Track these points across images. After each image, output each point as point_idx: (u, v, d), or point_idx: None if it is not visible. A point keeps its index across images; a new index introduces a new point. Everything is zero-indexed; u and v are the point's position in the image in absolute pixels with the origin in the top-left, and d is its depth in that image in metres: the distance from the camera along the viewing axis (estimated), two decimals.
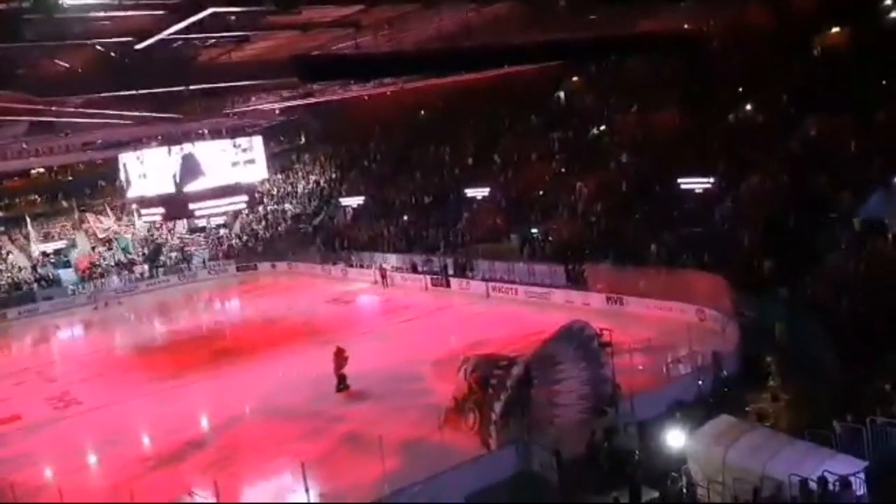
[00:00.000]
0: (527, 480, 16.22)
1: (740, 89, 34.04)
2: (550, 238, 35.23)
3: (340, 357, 23.75)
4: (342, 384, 23.57)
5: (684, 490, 14.13)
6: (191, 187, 32.27)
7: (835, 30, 32.55)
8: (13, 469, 18.77)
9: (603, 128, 40.13)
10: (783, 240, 24.71)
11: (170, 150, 32.71)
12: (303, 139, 65.22)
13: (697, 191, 30.69)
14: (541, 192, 38.96)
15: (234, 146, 34.03)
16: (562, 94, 44.67)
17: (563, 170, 39.59)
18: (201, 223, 55.64)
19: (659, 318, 26.37)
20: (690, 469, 14.37)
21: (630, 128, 37.85)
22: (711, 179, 30.21)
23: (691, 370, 20.39)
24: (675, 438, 15.41)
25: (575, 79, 44.38)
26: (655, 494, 14.11)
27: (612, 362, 18.58)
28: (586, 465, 15.92)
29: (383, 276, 41.04)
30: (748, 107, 33.32)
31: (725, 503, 13.29)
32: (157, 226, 56.90)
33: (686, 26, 33.87)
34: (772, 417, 16.84)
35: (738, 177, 30.00)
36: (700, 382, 19.53)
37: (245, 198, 35.90)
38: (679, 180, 30.93)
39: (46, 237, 57.46)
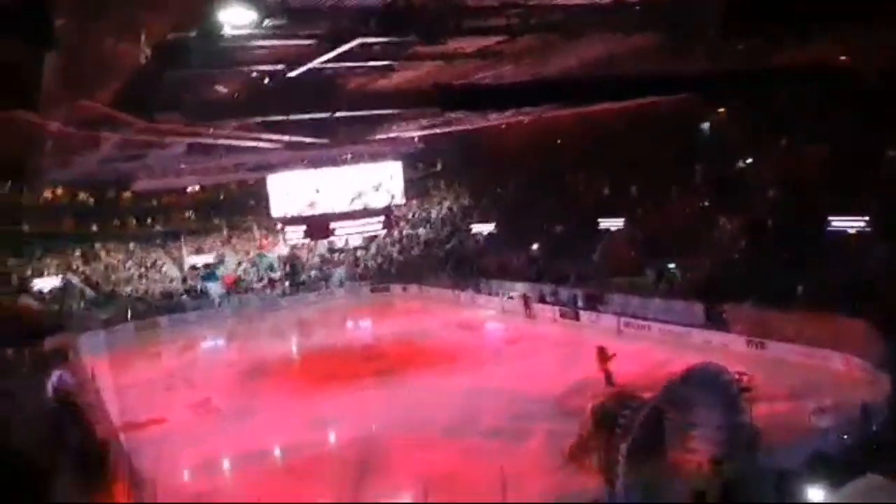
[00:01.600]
0: None
1: None
2: (689, 275, 34.08)
3: (604, 356, 25.85)
4: (610, 380, 25.07)
5: None
6: (331, 209, 33.57)
7: None
8: (156, 468, 19.82)
9: (749, 161, 38.58)
10: None
11: (315, 174, 34.27)
12: (439, 166, 66.40)
13: (850, 231, 28.95)
14: (680, 227, 37.81)
15: (375, 171, 35.20)
16: (706, 126, 43.28)
17: (705, 204, 38.30)
18: (339, 244, 58.00)
19: (803, 364, 25.00)
20: None
21: (778, 162, 36.19)
22: (865, 219, 28.43)
23: (836, 422, 19.09)
24: (814, 494, 14.43)
25: (721, 109, 42.94)
26: None
27: (751, 409, 17.67)
28: None
29: (527, 306, 40.21)
30: None
31: None
32: (299, 246, 59.30)
33: (842, 57, 32.10)
34: None
35: (894, 217, 28.07)
36: (846, 436, 18.25)
37: (382, 221, 36.94)
38: (830, 219, 29.32)
39: (197, 251, 61.14)
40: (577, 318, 36.88)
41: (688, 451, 17.44)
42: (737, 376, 18.18)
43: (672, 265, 35.30)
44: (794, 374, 24.02)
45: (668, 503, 15.87)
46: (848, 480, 14.13)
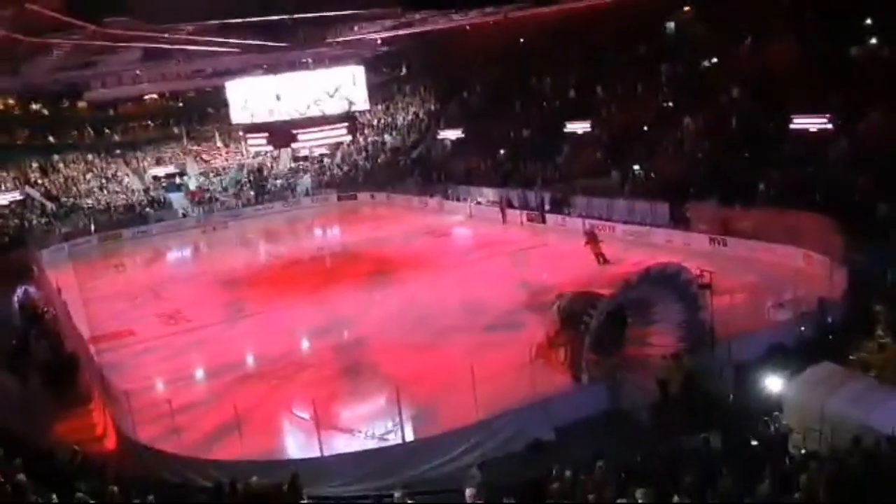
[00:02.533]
0: (617, 417, 16.23)
1: (868, 21, 31.75)
2: (653, 175, 34.28)
3: (593, 239, 29.38)
4: (603, 259, 28.67)
5: (778, 436, 13.81)
6: (293, 116, 32.92)
7: None
8: (128, 380, 19.89)
9: (714, 60, 38.32)
10: None
11: (274, 79, 33.41)
12: (404, 70, 65.12)
13: (812, 129, 29.14)
14: (645, 128, 37.75)
15: (337, 76, 34.37)
16: (671, 25, 42.68)
17: (669, 104, 38.17)
18: (304, 152, 57.26)
19: (764, 261, 25.48)
20: (786, 415, 14.02)
21: (743, 61, 35.99)
22: (827, 117, 28.60)
23: (794, 315, 19.66)
24: (772, 383, 15.02)
25: (686, 8, 42.29)
26: (749, 439, 13.86)
27: (711, 304, 18.15)
28: (678, 405, 15.75)
29: (502, 211, 40.01)
30: (873, 40, 31.10)
31: (822, 451, 12.94)
32: (263, 154, 58.43)
33: None
34: (877, 368, 16.11)
35: (857, 115, 28.24)
36: (802, 328, 18.84)
37: (346, 127, 36.35)
38: (792, 117, 29.44)
39: (158, 162, 60.00)
40: (543, 221, 37.16)
41: (649, 346, 17.97)
42: (698, 273, 18.56)
43: (637, 166, 35.42)
44: (755, 270, 24.53)
45: (631, 394, 16.39)
46: (803, 369, 14.68)
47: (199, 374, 22.64)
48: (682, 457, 12.49)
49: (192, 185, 56.22)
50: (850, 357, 16.52)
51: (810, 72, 31.19)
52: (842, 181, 26.11)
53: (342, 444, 15.93)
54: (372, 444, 15.91)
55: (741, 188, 28.90)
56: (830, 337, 18.45)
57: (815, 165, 28.17)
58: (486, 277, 29.34)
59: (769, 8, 35.71)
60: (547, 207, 37.54)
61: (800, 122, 29.36)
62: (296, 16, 26.03)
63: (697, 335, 17.80)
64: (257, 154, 58.45)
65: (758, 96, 33.01)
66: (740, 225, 27.58)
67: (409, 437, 15.81)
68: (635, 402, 16.20)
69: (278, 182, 58.30)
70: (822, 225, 23.67)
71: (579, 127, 40.70)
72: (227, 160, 61.08)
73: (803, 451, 12.75)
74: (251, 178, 58.44)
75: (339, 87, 34.31)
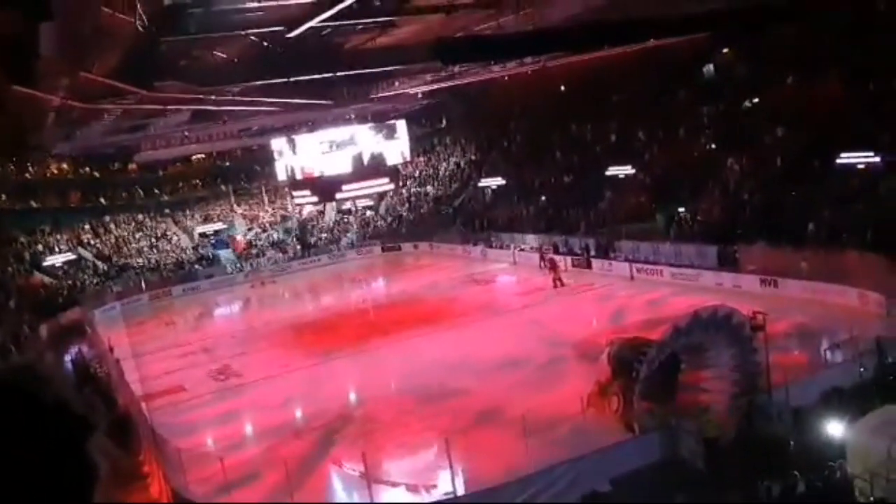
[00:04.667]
0: (673, 466, 15.80)
1: None
2: (699, 217, 33.94)
3: (554, 265, 35.45)
4: (560, 283, 34.38)
5: (843, 482, 13.32)
6: (338, 170, 33.52)
7: None
8: (179, 436, 20.05)
9: (756, 101, 38.06)
10: None
11: (318, 135, 34.14)
12: (444, 122, 65.99)
13: (860, 166, 28.67)
14: (688, 170, 37.49)
15: (380, 130, 35.01)
16: (711, 67, 42.57)
17: (712, 146, 37.94)
18: (348, 205, 58.11)
19: (817, 301, 24.98)
20: (849, 461, 13.52)
21: (786, 100, 35.68)
22: (875, 154, 28.11)
23: (851, 356, 19.09)
24: (832, 428, 14.54)
25: (725, 50, 42.22)
26: (814, 487, 13.38)
27: (766, 347, 17.74)
28: (736, 452, 15.31)
29: (543, 260, 38.37)
30: None
31: (891, 498, 12.42)
32: (308, 208, 59.35)
33: None
34: None
35: None
36: (862, 370, 18.30)
37: (389, 180, 36.83)
38: (840, 155, 29.02)
39: (206, 219, 61.38)
40: (588, 266, 36.88)
41: (704, 392, 17.58)
42: (751, 315, 18.19)
43: (682, 209, 35.14)
44: (809, 311, 24.01)
45: (688, 443, 15.98)
46: (865, 413, 14.20)
47: (249, 429, 22.69)
48: None
49: (239, 241, 57.17)
50: None
51: (855, 108, 30.79)
52: (893, 217, 25.54)
53: (393, 498, 15.75)
54: (425, 498, 15.70)
55: (790, 228, 28.44)
56: (891, 378, 17.87)
57: (864, 203, 27.62)
58: (532, 325, 29.11)
59: (809, 45, 35.45)
60: (592, 252, 37.32)
61: (847, 159, 28.91)
62: (339, 73, 26.58)
63: (753, 379, 17.38)
64: (302, 209, 59.38)
65: (802, 135, 32.64)
66: (791, 266, 27.03)
67: (461, 489, 15.58)
68: (692, 450, 15.78)
69: (324, 235, 59.08)
70: (875, 263, 23.17)
71: (621, 171, 40.59)
72: (273, 216, 62.16)
73: (872, 499, 12.27)
74: (297, 232, 59.32)
75: (381, 140, 34.95)
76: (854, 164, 28.85)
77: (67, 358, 31.83)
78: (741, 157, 34.72)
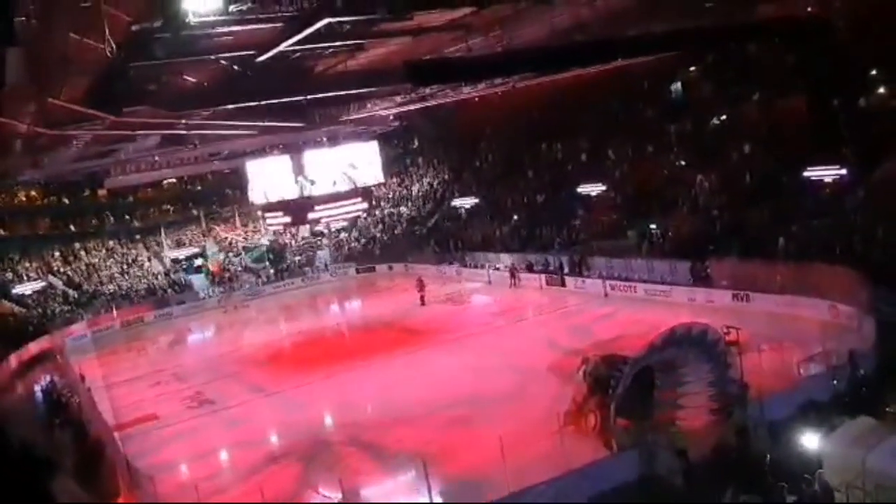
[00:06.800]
0: (651, 483, 15.81)
1: (873, 72, 32.03)
2: (670, 233, 34.27)
3: (421, 285, 39.28)
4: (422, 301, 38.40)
5: (819, 494, 13.41)
6: (310, 193, 33.47)
7: None
8: (152, 465, 19.78)
9: (723, 118, 38.65)
10: None
11: (291, 158, 34.10)
12: (416, 143, 66.17)
13: (826, 181, 29.15)
14: (659, 187, 37.91)
15: (352, 151, 35.10)
16: (679, 85, 43.21)
17: (682, 163, 38.42)
18: (321, 227, 57.86)
19: (788, 315, 25.18)
20: (826, 473, 13.62)
21: (752, 117, 36.29)
22: (841, 168, 28.60)
23: (825, 369, 19.28)
24: (809, 441, 14.65)
25: (692, 69, 42.90)
26: (791, 499, 13.45)
27: (740, 362, 17.88)
28: (714, 468, 15.36)
29: (513, 275, 40.32)
30: (881, 90, 31.33)
31: None
32: (281, 231, 59.01)
33: (809, 9, 32.12)
34: None
35: (871, 165, 28.23)
36: (835, 382, 18.48)
37: (362, 201, 36.82)
38: (806, 170, 29.48)
39: (178, 244, 60.73)
40: (563, 284, 37.05)
41: (680, 409, 17.65)
42: (725, 330, 18.33)
43: (653, 226, 35.47)
44: (781, 325, 24.19)
45: (665, 459, 16.01)
46: (840, 425, 14.34)
47: (224, 456, 22.39)
48: None
49: (212, 265, 56.64)
50: (887, 409, 16.15)
51: (821, 125, 31.34)
52: (861, 230, 25.96)
53: None
54: None
55: (760, 242, 28.79)
56: (864, 390, 18.05)
57: (832, 216, 28.06)
58: (507, 344, 29.18)
59: (774, 64, 36.11)
60: (566, 270, 37.49)
61: (813, 173, 29.37)
62: (310, 97, 26.58)
63: (728, 395, 17.49)
64: (276, 232, 59.04)
65: (769, 150, 33.17)
66: (763, 280, 27.32)
67: None
68: (670, 466, 15.80)
69: (297, 258, 58.74)
70: (846, 276, 23.44)
71: (593, 189, 40.92)
72: (246, 239, 61.71)
73: None
74: (270, 255, 58.90)
75: (354, 162, 34.98)
76: (821, 178, 29.32)
77: (38, 388, 31.24)
78: (710, 174, 35.19)
